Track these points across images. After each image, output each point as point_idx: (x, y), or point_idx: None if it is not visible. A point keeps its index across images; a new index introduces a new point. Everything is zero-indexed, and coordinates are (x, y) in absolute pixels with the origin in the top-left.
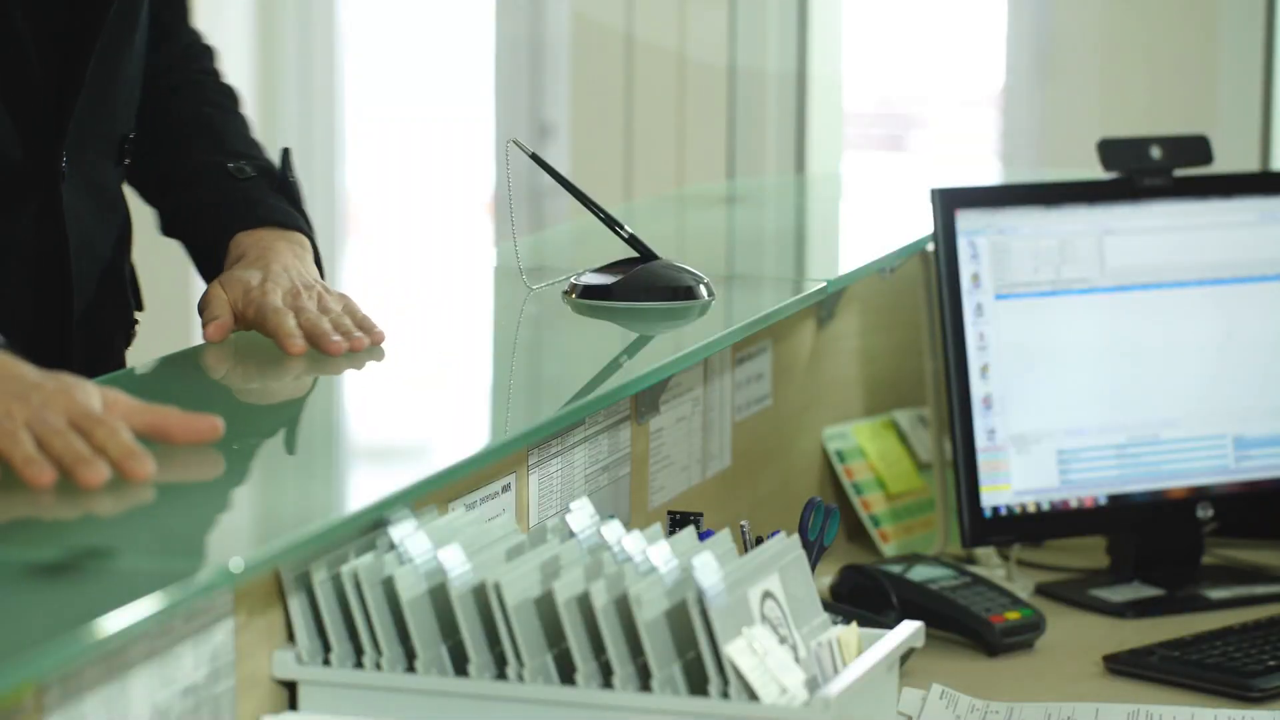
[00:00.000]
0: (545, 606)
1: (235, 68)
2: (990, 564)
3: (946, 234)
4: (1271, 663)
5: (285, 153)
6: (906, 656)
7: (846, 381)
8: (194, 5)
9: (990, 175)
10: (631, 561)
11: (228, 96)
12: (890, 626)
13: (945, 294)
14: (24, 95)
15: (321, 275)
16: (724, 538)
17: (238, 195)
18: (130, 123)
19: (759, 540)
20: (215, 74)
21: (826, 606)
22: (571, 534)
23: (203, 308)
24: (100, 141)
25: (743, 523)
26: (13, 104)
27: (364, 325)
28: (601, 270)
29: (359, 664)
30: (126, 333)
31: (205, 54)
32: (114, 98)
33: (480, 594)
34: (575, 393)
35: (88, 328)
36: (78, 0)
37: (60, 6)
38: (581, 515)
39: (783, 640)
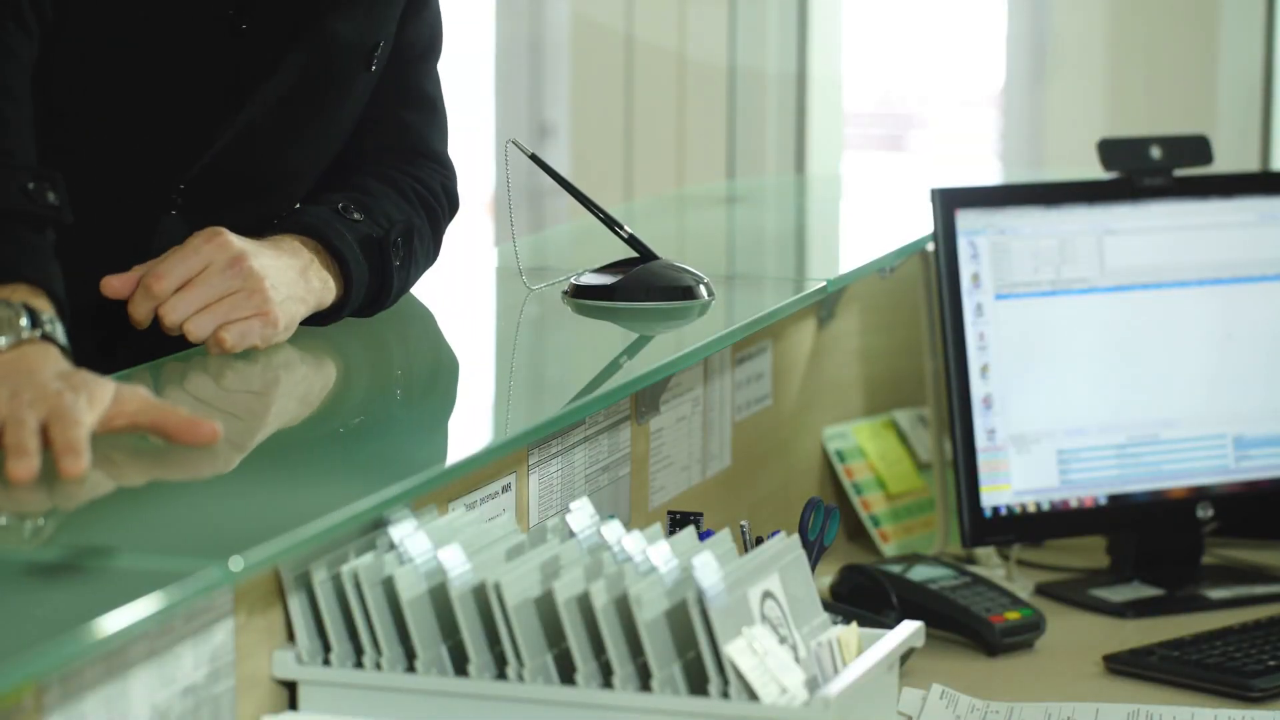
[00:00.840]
0: (545, 606)
1: None
2: (990, 564)
3: (946, 234)
4: (1271, 663)
5: (409, 228)
6: (906, 656)
7: (846, 381)
8: (448, 134)
9: (990, 175)
10: (631, 561)
11: (423, 201)
12: (890, 626)
13: (945, 294)
14: (173, 123)
15: (332, 314)
16: (724, 538)
17: (308, 214)
18: (278, 209)
19: (759, 540)
20: (431, 186)
21: (826, 606)
22: (571, 534)
23: None
24: (241, 210)
25: (743, 523)
26: (160, 129)
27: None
28: (601, 270)
29: (359, 664)
30: None
31: (434, 176)
32: (266, 177)
33: (480, 594)
34: (576, 393)
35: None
36: (243, 66)
37: (227, 64)
38: (581, 515)
39: (783, 640)
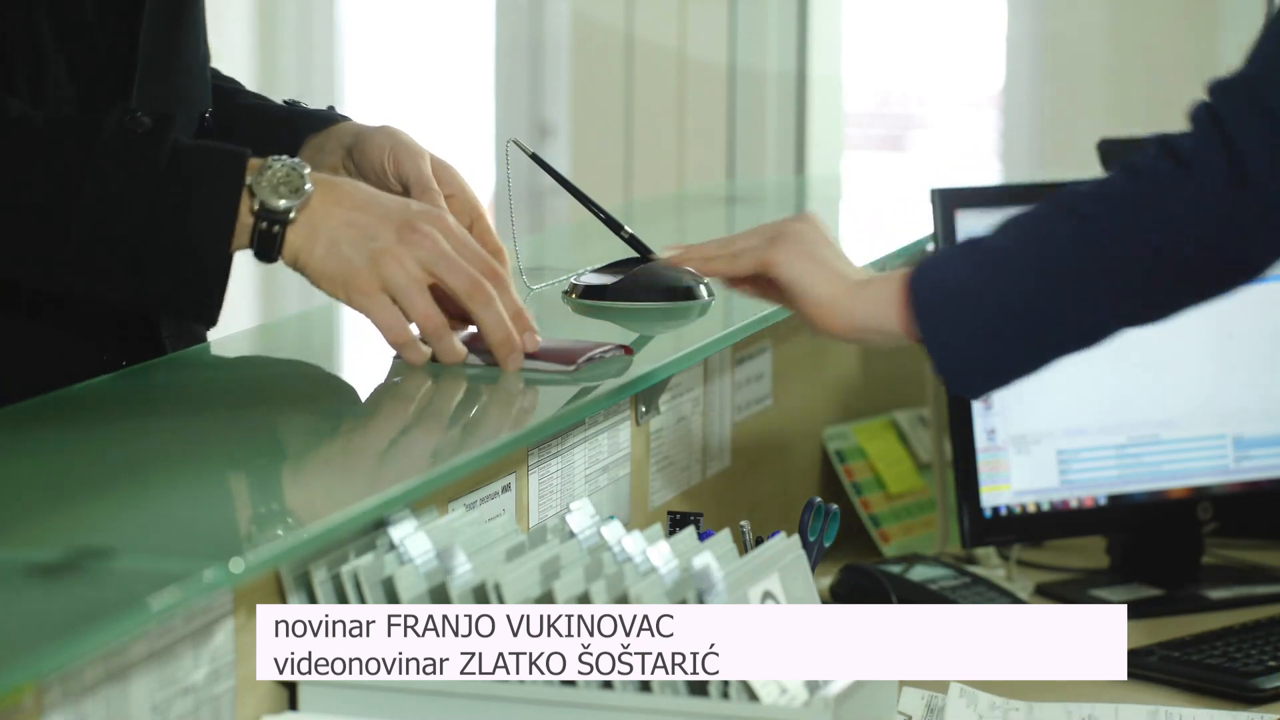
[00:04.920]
0: None
1: (235, 68)
2: (990, 564)
3: (946, 234)
4: (1271, 663)
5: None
6: None
7: (846, 381)
8: None
9: (990, 175)
10: (631, 561)
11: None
12: None
13: None
14: (90, 75)
15: None
16: (724, 538)
17: (305, 111)
18: (206, 100)
19: (759, 540)
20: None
21: None
22: (571, 534)
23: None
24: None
25: (743, 523)
26: (80, 83)
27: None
28: (601, 270)
29: None
30: None
31: None
32: (176, 74)
33: (480, 594)
34: (575, 393)
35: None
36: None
37: None
38: (581, 515)
39: None
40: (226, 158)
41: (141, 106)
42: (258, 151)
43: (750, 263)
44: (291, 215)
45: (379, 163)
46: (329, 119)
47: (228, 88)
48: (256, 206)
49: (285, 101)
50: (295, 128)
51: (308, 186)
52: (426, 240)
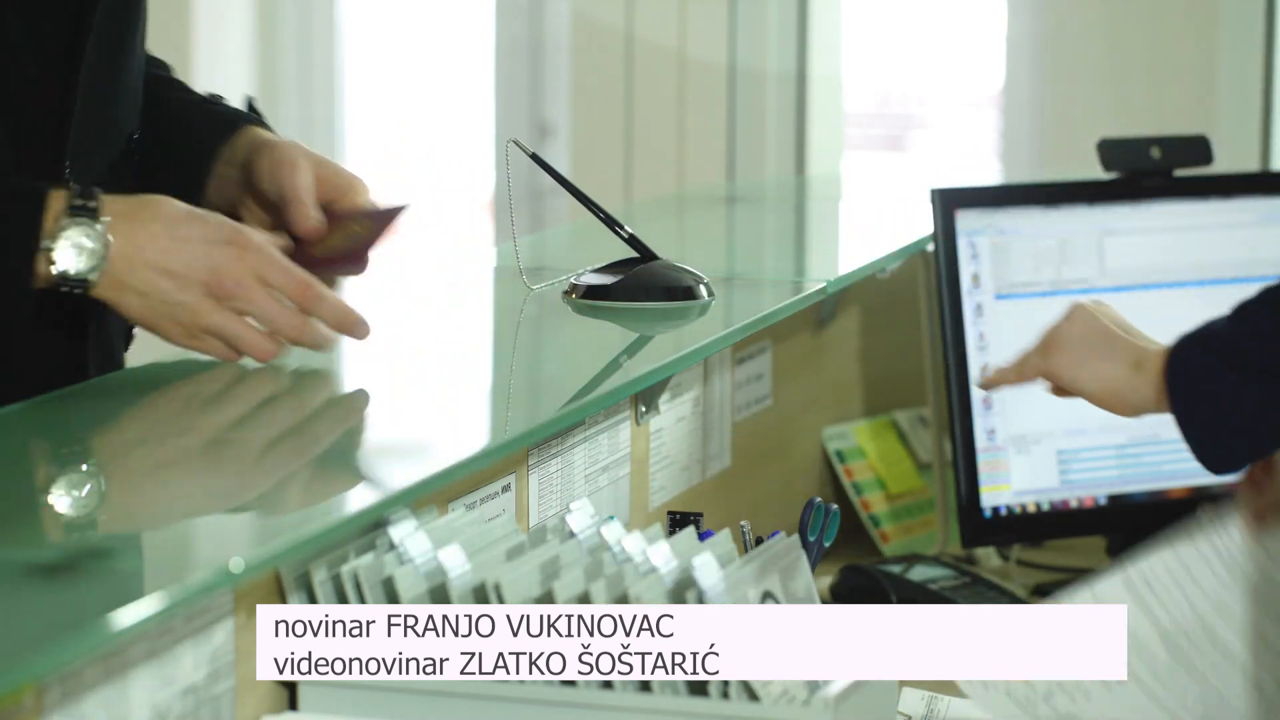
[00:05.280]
0: None
1: (235, 69)
2: (990, 564)
3: (946, 234)
4: None
5: (250, 100)
6: None
7: (846, 381)
8: None
9: (990, 175)
10: (631, 561)
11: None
12: None
13: (945, 294)
14: (20, 103)
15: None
16: (724, 538)
17: (228, 109)
18: (134, 121)
19: (759, 540)
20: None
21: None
22: (571, 534)
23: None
24: (105, 145)
25: (743, 523)
26: (8, 112)
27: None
28: (601, 270)
29: None
30: (126, 335)
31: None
32: (114, 98)
33: (480, 594)
34: (575, 393)
35: (98, 334)
36: (68, 1)
37: (51, 7)
38: (581, 515)
39: None
40: (21, 219)
41: (77, 133)
42: (181, 151)
43: (1033, 373)
44: (91, 279)
45: (260, 181)
46: (234, 124)
47: (162, 76)
48: (54, 273)
49: (209, 95)
50: (213, 131)
51: (103, 245)
52: (237, 289)
